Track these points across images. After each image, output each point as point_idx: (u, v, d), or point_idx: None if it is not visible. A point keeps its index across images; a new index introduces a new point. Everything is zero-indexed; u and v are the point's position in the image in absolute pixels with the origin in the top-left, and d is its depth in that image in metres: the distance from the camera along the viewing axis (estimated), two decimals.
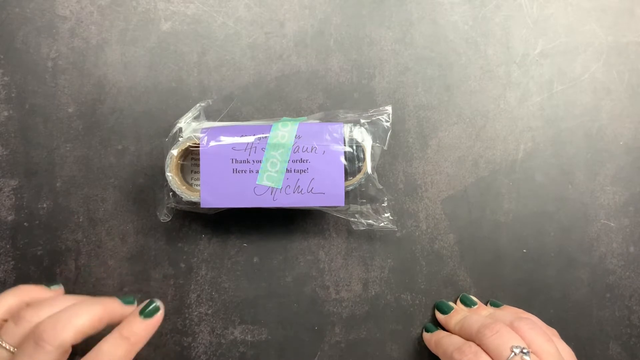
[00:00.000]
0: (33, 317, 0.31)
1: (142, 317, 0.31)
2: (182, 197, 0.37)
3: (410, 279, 0.42)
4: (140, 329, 0.31)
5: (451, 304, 0.41)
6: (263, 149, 0.36)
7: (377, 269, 0.42)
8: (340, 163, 0.37)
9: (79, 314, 0.30)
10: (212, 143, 0.36)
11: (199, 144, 0.37)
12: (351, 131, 0.37)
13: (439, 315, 0.41)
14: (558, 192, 0.43)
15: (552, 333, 0.38)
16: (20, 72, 0.41)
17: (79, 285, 0.40)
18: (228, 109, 0.42)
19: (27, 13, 0.42)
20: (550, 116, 0.43)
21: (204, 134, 0.37)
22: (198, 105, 0.40)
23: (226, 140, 0.37)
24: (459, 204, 0.42)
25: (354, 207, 0.39)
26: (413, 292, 0.42)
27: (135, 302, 0.33)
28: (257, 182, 0.37)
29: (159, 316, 0.32)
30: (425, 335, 0.41)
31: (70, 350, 0.30)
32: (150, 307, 0.32)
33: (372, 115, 0.39)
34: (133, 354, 0.31)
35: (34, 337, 0.29)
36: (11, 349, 0.30)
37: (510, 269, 0.42)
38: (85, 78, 0.41)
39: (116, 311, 0.32)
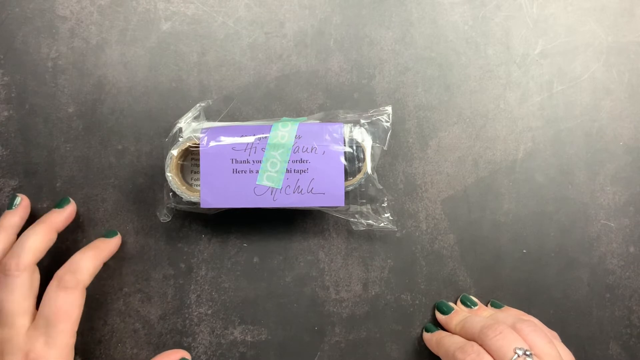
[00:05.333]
0: None
1: (57, 208, 0.38)
2: (182, 197, 0.37)
3: (410, 279, 0.42)
4: (55, 215, 0.38)
5: (451, 304, 0.41)
6: (263, 149, 0.36)
7: (377, 269, 0.42)
8: (340, 163, 0.37)
9: (30, 238, 0.36)
10: (212, 143, 0.36)
11: (199, 144, 0.37)
12: (351, 131, 0.37)
13: (439, 316, 0.41)
14: (558, 192, 0.43)
15: (553, 336, 0.38)
16: (20, 72, 0.41)
17: None
18: (228, 109, 0.42)
19: (27, 13, 0.42)
20: (550, 116, 0.43)
21: (204, 134, 0.37)
22: (198, 105, 0.40)
23: (226, 140, 0.37)
24: (459, 204, 0.42)
25: (354, 208, 0.39)
26: (413, 292, 0.42)
27: (70, 200, 0.39)
28: (257, 182, 0.37)
29: (71, 206, 0.39)
30: (426, 335, 0.41)
31: (36, 269, 0.36)
32: (62, 200, 0.39)
33: (372, 116, 0.39)
34: (53, 235, 0.37)
35: (2, 270, 0.35)
36: None
37: (510, 269, 0.42)
38: (85, 78, 0.41)
39: (58, 220, 0.38)
